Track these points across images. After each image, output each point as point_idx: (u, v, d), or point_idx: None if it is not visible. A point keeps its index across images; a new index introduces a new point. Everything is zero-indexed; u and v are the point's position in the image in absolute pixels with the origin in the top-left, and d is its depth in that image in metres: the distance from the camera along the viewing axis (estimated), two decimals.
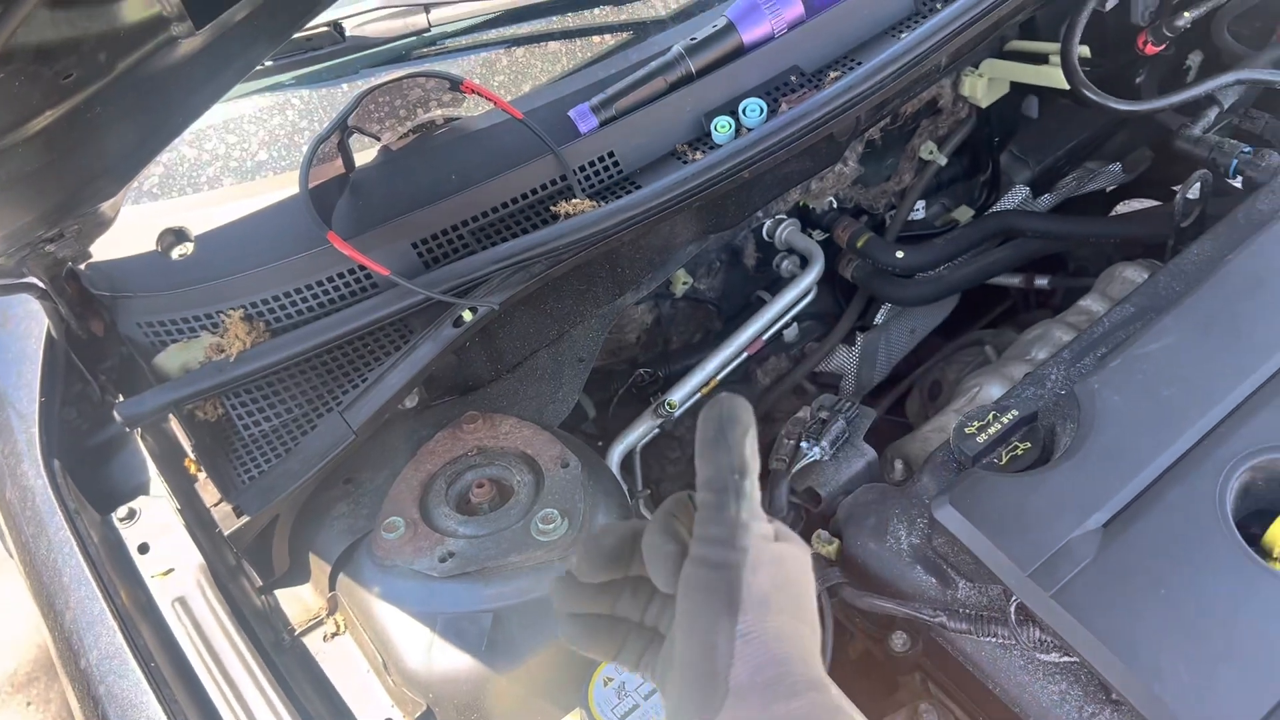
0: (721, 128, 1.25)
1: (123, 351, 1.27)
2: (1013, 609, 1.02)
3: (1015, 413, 1.14)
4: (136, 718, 1.00)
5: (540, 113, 1.28)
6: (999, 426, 1.14)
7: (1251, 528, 1.04)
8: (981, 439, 1.13)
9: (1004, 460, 1.13)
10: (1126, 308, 1.26)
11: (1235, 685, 0.92)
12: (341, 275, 1.22)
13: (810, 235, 1.71)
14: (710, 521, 0.61)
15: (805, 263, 1.67)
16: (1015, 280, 1.84)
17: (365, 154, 1.30)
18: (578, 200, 1.24)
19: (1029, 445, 1.14)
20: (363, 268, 1.20)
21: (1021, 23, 1.68)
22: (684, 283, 1.65)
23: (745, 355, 1.66)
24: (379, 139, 1.29)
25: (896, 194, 1.82)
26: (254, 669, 1.06)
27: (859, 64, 1.28)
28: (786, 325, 1.73)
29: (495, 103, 1.26)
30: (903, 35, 1.30)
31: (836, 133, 1.33)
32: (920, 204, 1.85)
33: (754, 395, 1.77)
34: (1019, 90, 1.77)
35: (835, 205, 1.73)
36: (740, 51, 1.29)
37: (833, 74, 1.28)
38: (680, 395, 1.50)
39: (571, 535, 1.12)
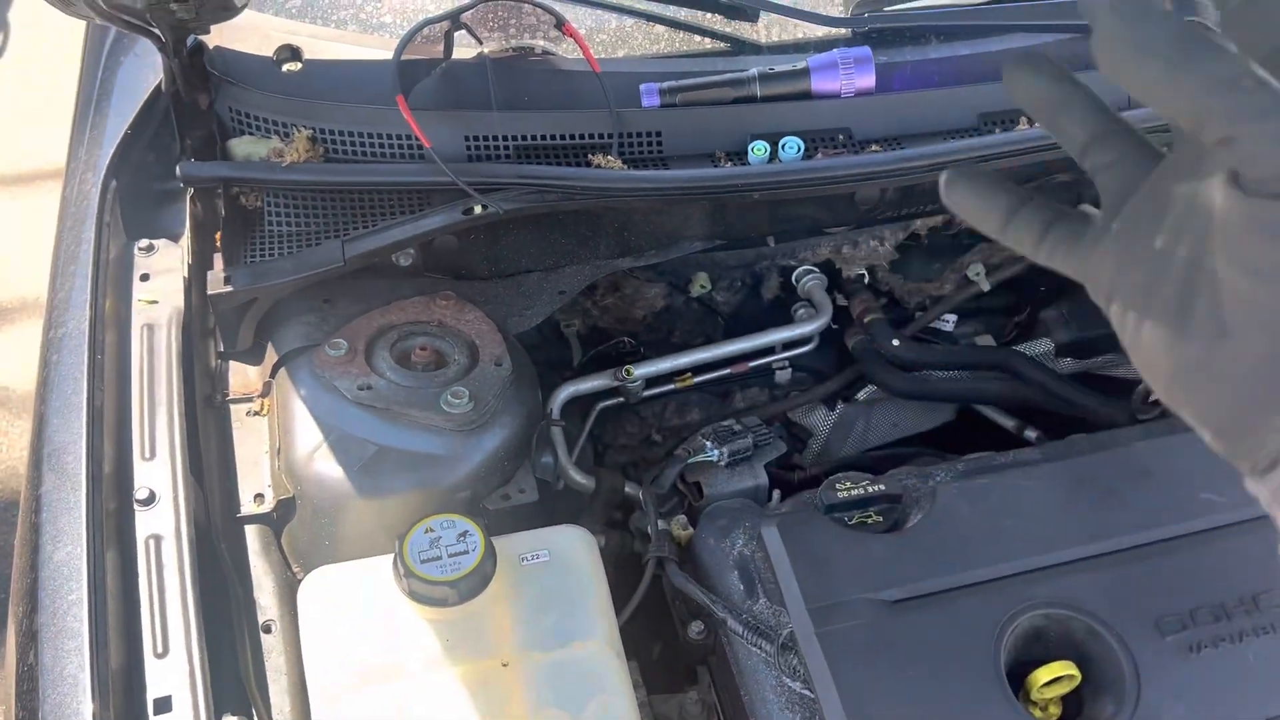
0: (757, 150, 1.38)
1: (212, 128, 1.48)
2: (784, 634, 1.12)
3: (883, 487, 1.24)
4: (66, 386, 1.19)
5: (618, 76, 1.43)
6: (862, 491, 1.24)
7: (1031, 666, 1.12)
8: (842, 495, 1.23)
9: (852, 520, 1.23)
10: (1034, 452, 1.34)
11: None
12: (398, 137, 1.40)
13: (833, 296, 1.82)
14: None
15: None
16: (1010, 424, 1.91)
17: (464, 50, 1.47)
18: (611, 158, 1.39)
19: (881, 519, 1.23)
20: (414, 136, 1.37)
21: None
22: (702, 286, 1.77)
23: (729, 371, 1.78)
24: (481, 43, 1.46)
25: (932, 299, 1.91)
26: (174, 407, 1.24)
27: (901, 147, 1.39)
28: (780, 364, 1.84)
29: (583, 51, 1.42)
30: (950, 141, 1.40)
31: (859, 198, 1.44)
32: (952, 318, 1.93)
33: (725, 414, 1.88)
34: None
35: (867, 280, 1.83)
36: (806, 96, 1.42)
37: (874, 146, 1.40)
38: (644, 371, 1.63)
39: (471, 416, 1.26)
